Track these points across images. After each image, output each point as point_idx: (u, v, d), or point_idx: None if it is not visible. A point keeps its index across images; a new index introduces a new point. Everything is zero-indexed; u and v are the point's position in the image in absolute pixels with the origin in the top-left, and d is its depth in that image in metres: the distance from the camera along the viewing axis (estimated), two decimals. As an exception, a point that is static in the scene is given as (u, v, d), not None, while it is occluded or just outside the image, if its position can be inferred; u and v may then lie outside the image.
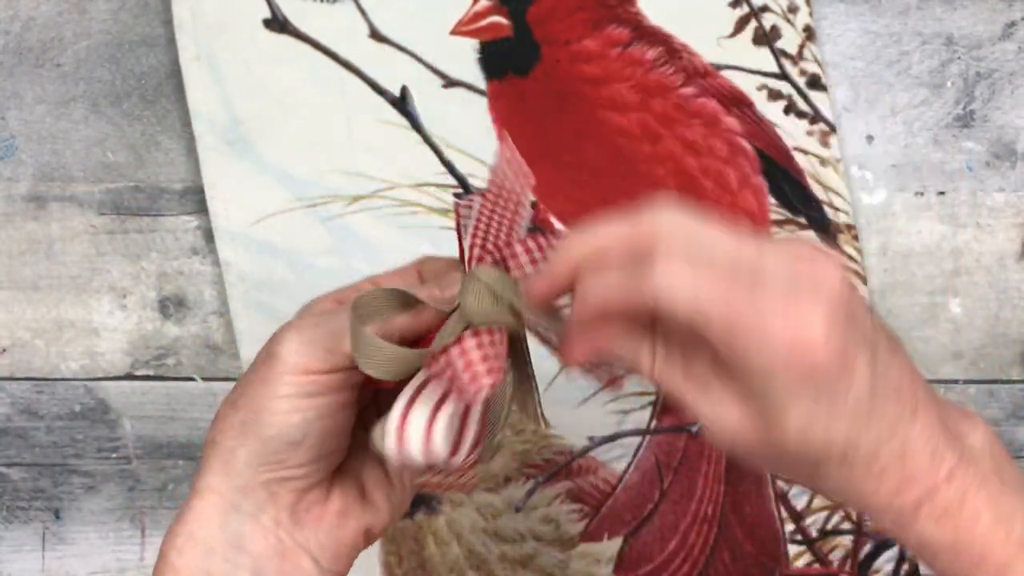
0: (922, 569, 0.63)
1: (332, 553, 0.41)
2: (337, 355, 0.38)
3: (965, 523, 0.36)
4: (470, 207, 0.39)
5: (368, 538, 0.42)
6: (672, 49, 0.60)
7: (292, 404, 0.38)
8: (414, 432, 0.35)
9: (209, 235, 0.62)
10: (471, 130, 0.60)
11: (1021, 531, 0.36)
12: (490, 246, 0.38)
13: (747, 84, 0.60)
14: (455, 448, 0.36)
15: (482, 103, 0.60)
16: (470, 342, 0.36)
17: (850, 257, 0.61)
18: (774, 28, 0.60)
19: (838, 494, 0.37)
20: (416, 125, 0.61)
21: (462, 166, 0.61)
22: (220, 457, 0.39)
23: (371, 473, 0.43)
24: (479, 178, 0.61)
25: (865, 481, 0.35)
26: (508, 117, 0.60)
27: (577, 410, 0.62)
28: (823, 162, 0.60)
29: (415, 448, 0.35)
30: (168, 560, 0.39)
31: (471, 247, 0.38)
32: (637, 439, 0.63)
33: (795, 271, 0.33)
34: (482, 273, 0.37)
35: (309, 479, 0.40)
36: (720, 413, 0.35)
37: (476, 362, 0.35)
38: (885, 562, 0.63)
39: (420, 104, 0.60)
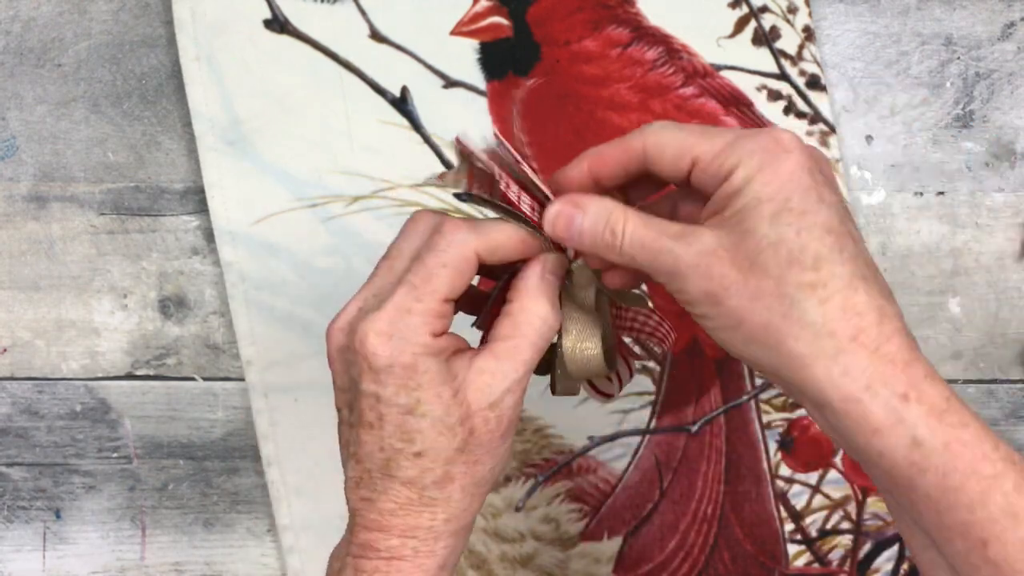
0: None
1: None
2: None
3: (954, 427, 0.36)
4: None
5: None
6: (672, 49, 0.60)
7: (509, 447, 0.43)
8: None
9: (209, 235, 0.62)
10: (471, 130, 0.60)
11: (1005, 447, 0.36)
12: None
13: (747, 84, 0.60)
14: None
15: (482, 103, 0.60)
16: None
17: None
18: (774, 28, 0.60)
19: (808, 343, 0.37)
20: (416, 125, 0.61)
21: (462, 166, 0.61)
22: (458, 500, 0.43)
23: None
24: (479, 178, 0.61)
25: (840, 324, 0.36)
26: (508, 117, 0.60)
27: (577, 410, 0.62)
28: (822, 162, 0.60)
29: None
30: None
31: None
32: (637, 439, 0.63)
33: (768, 135, 0.39)
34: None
35: None
36: (692, 244, 0.38)
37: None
38: (884, 562, 0.63)
39: (420, 104, 0.60)
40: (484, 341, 0.43)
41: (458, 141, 0.42)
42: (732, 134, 0.39)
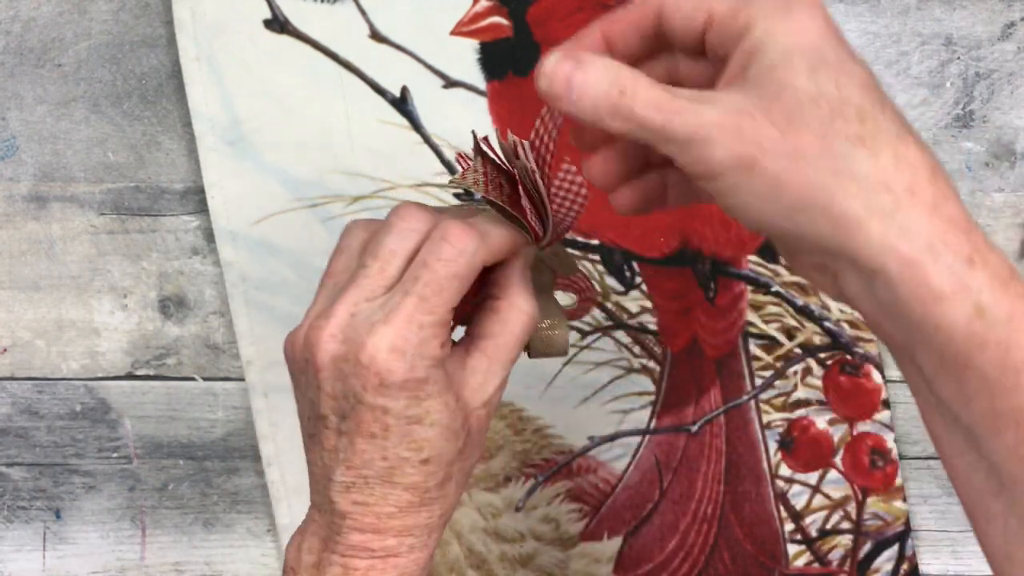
0: (922, 569, 0.63)
1: None
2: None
3: (1022, 297, 0.33)
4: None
5: None
6: (672, 49, 0.60)
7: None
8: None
9: (209, 235, 0.62)
10: (470, 131, 0.60)
11: None
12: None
13: (747, 84, 0.60)
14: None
15: (482, 103, 0.60)
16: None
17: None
18: (774, 28, 0.60)
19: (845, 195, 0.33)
20: (416, 125, 0.61)
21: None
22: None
23: None
24: (479, 178, 0.61)
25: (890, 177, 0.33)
26: (508, 117, 0.60)
27: (577, 410, 0.62)
28: (822, 162, 0.61)
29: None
30: None
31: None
32: (637, 439, 0.63)
33: None
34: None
35: None
36: (716, 104, 0.34)
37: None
38: (884, 562, 0.63)
39: (420, 104, 0.60)
40: (468, 333, 0.43)
41: (478, 139, 0.42)
42: None
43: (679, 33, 0.37)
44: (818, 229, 0.33)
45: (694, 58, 0.38)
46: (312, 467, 0.42)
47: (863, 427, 0.62)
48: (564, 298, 0.48)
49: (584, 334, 0.62)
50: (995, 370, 0.32)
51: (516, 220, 0.41)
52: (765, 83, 0.34)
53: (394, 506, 0.40)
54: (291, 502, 0.62)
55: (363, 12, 0.60)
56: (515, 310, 0.42)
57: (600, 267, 0.62)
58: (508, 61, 0.60)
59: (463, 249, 0.39)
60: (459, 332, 0.43)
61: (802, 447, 0.63)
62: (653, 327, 0.62)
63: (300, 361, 0.42)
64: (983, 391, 0.33)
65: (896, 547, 0.63)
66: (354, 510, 0.40)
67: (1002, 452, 0.33)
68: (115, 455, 0.65)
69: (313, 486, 0.42)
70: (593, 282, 0.46)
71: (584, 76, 0.35)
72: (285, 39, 0.60)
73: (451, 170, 0.61)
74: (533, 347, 0.45)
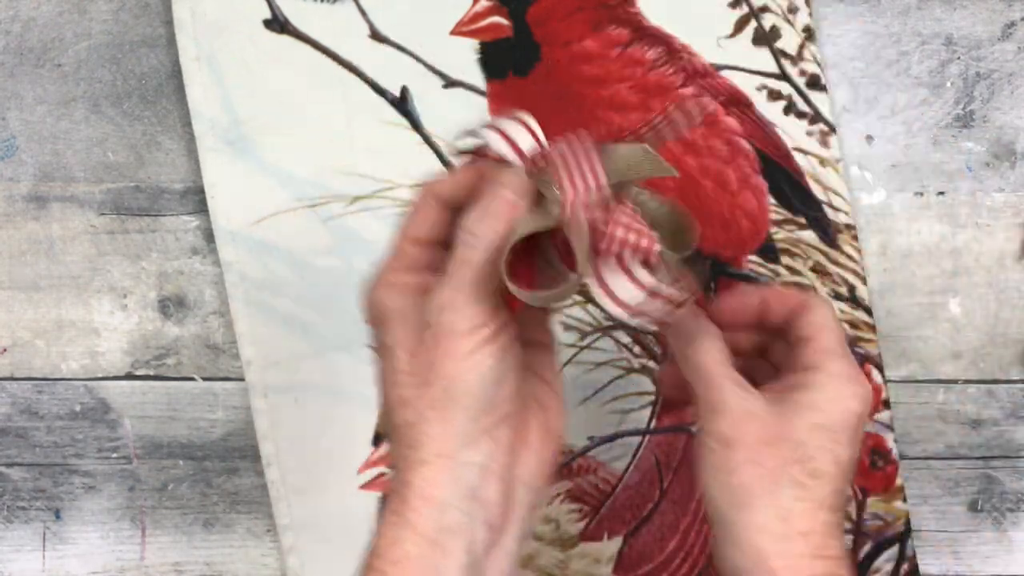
0: (922, 569, 0.63)
1: (540, 473, 0.44)
2: (494, 301, 0.41)
3: None
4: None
5: (560, 440, 0.46)
6: (672, 49, 0.60)
7: (481, 355, 0.40)
8: (626, 294, 0.40)
9: (209, 235, 0.62)
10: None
11: None
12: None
13: (747, 84, 0.60)
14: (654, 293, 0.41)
15: (482, 103, 0.60)
16: (619, 215, 0.40)
17: (849, 257, 0.61)
18: (774, 28, 0.60)
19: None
20: (416, 125, 0.61)
21: (462, 166, 0.61)
22: (436, 426, 0.41)
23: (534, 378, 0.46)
24: (479, 178, 0.61)
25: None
26: (508, 117, 0.60)
27: (577, 410, 0.62)
28: (823, 162, 0.60)
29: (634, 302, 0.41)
30: (405, 518, 0.40)
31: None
32: (637, 439, 0.63)
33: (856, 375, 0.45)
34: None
35: (517, 412, 0.43)
36: (747, 395, 0.44)
37: (633, 224, 0.40)
38: (885, 562, 0.63)
39: (420, 104, 0.60)
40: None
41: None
42: (841, 346, 0.45)
43: (787, 330, 0.46)
44: (731, 510, 0.43)
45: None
46: None
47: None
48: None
49: (584, 334, 0.62)
50: None
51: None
52: (787, 412, 0.43)
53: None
54: (291, 502, 0.62)
55: (363, 12, 0.60)
56: (460, 235, 0.41)
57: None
58: (508, 61, 0.60)
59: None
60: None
61: (802, 447, 0.62)
62: (653, 327, 0.62)
63: None
64: None
65: (896, 547, 0.63)
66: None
67: None
68: (115, 455, 0.65)
69: None
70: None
71: (683, 315, 0.43)
72: (285, 39, 0.60)
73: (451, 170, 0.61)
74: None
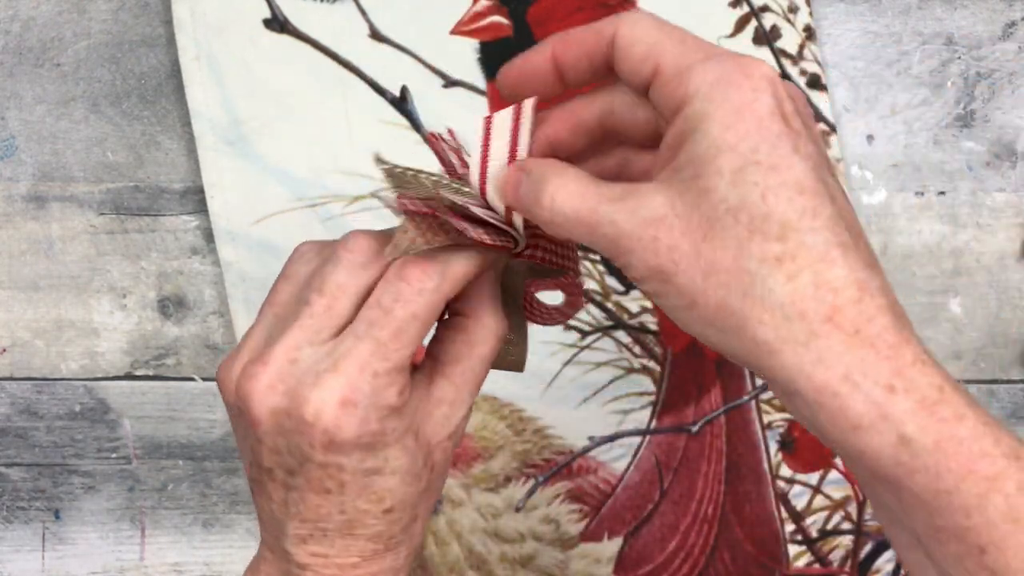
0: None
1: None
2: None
3: (948, 421, 0.30)
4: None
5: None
6: (672, 49, 0.60)
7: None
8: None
9: (209, 235, 0.62)
10: (471, 130, 0.60)
11: (1009, 441, 0.31)
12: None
13: (747, 84, 0.60)
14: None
15: (482, 103, 0.60)
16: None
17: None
18: (774, 28, 0.60)
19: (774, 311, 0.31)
20: (416, 125, 0.61)
21: (462, 166, 0.60)
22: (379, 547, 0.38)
23: None
24: (479, 178, 0.61)
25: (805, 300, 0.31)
26: (508, 117, 0.60)
27: (577, 410, 0.62)
28: (823, 162, 0.60)
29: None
30: None
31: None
32: (637, 439, 0.63)
33: (734, 60, 0.33)
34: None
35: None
36: (635, 211, 0.32)
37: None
38: (885, 562, 0.63)
39: (420, 104, 0.60)
40: (429, 355, 0.39)
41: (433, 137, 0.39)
42: (704, 52, 0.33)
43: (626, 76, 0.34)
44: (734, 347, 0.32)
45: (647, 148, 0.36)
46: (261, 512, 0.38)
47: (864, 427, 0.62)
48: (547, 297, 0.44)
49: (584, 334, 0.62)
50: (927, 493, 0.31)
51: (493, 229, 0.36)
52: (689, 183, 0.32)
53: (358, 556, 0.37)
54: (291, 502, 0.62)
55: (363, 12, 0.60)
56: (484, 330, 0.37)
57: (600, 267, 0.61)
58: (508, 61, 0.60)
59: (422, 288, 0.35)
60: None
61: (803, 447, 0.62)
62: (653, 327, 0.62)
63: (234, 407, 0.37)
64: (919, 510, 0.31)
65: (897, 547, 0.63)
66: (313, 561, 0.37)
67: (948, 560, 0.32)
68: (114, 455, 0.65)
69: (264, 528, 0.38)
70: (583, 276, 0.40)
71: (523, 193, 0.34)
72: (285, 39, 0.60)
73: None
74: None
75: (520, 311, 0.40)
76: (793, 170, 0.31)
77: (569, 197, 0.33)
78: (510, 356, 0.41)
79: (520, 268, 0.40)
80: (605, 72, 0.36)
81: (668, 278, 0.32)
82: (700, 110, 0.31)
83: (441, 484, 0.39)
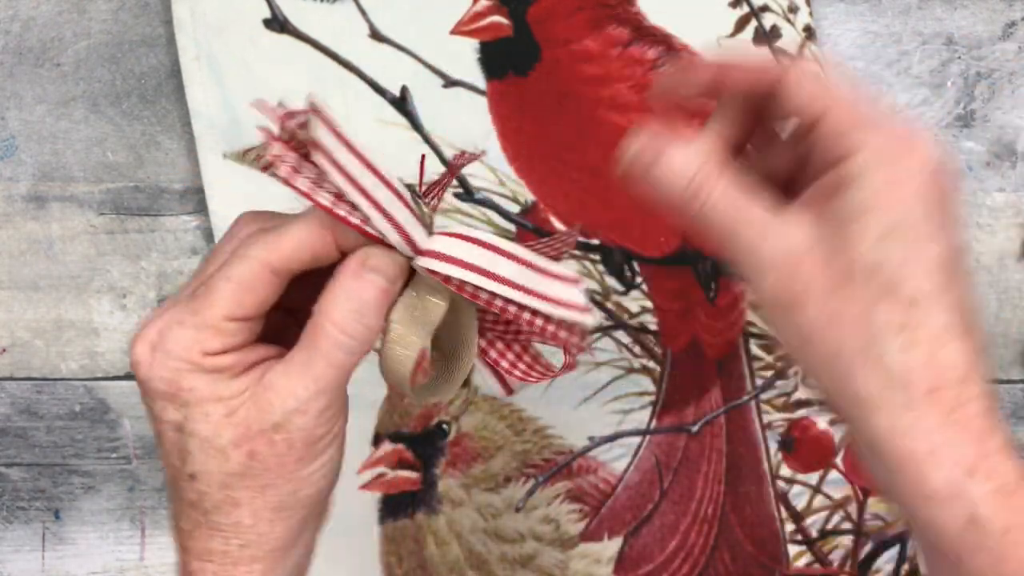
0: (922, 569, 0.63)
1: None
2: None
3: (1021, 511, 0.31)
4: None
5: None
6: (672, 49, 0.60)
7: (329, 456, 0.38)
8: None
9: (209, 235, 0.62)
10: (471, 130, 0.60)
11: None
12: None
13: (747, 84, 0.60)
14: None
15: (482, 103, 0.60)
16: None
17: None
18: (774, 28, 0.60)
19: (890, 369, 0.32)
20: (416, 125, 0.61)
21: (462, 166, 0.60)
22: (277, 527, 0.38)
23: None
24: (479, 178, 0.61)
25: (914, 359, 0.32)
26: (508, 117, 0.60)
27: (577, 410, 0.62)
28: (823, 162, 0.60)
29: None
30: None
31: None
32: (637, 439, 0.63)
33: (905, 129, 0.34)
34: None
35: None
36: (781, 238, 0.34)
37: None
38: (885, 562, 0.63)
39: (420, 104, 0.60)
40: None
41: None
42: (875, 112, 0.34)
43: (792, 109, 0.36)
44: (831, 391, 0.33)
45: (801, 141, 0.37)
46: None
47: (864, 427, 0.62)
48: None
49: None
50: (988, 573, 0.31)
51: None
52: (836, 228, 0.33)
53: (188, 523, 0.37)
54: (291, 502, 0.62)
55: (363, 11, 0.60)
56: (324, 326, 0.36)
57: (600, 267, 0.61)
58: (508, 61, 0.60)
59: (245, 252, 0.36)
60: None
61: (803, 447, 0.62)
62: (653, 327, 0.62)
63: None
64: None
65: (897, 548, 0.63)
66: (172, 524, 0.38)
67: None
68: (114, 455, 0.65)
69: None
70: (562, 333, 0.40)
71: (661, 171, 0.36)
72: (285, 39, 0.60)
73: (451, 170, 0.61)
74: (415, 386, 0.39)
75: (465, 348, 0.40)
76: (936, 247, 0.33)
77: (723, 198, 0.35)
78: (433, 384, 0.40)
79: (469, 309, 0.39)
80: (758, 110, 0.38)
81: (793, 312, 0.34)
82: (863, 165, 0.33)
83: (275, 480, 0.36)
